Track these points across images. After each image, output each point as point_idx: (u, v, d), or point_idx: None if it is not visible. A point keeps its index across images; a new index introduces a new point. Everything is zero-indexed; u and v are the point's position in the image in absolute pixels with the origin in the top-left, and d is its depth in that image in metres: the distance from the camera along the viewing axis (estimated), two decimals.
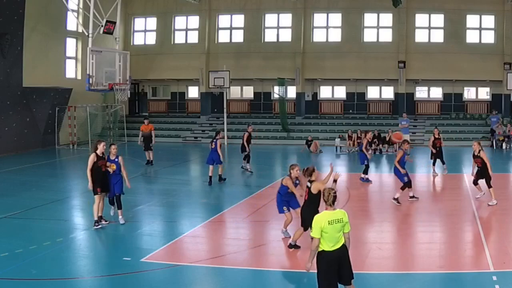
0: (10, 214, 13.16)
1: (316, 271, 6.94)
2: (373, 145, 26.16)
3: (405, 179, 14.36)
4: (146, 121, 22.05)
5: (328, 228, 6.76)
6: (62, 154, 26.56)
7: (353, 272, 7.08)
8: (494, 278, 8.48)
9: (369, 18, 32.30)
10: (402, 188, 14.36)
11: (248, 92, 35.71)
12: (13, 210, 13.53)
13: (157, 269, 9.32)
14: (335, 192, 6.98)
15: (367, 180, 17.68)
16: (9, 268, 9.24)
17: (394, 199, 14.18)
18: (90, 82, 21.27)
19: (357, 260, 8.67)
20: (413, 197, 14.72)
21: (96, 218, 11.86)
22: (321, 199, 8.70)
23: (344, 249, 6.91)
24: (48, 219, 12.99)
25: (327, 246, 6.78)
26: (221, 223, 12.89)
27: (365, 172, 17.74)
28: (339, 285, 6.99)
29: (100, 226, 11.81)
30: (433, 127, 30.36)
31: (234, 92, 35.31)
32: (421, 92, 33.73)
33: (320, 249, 6.84)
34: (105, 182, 11.95)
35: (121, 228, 12.05)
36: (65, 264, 9.58)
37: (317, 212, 8.91)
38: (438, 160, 19.66)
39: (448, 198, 15.55)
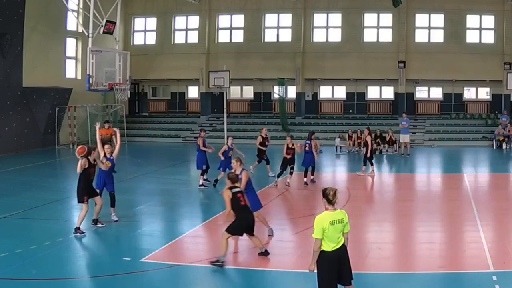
0: (10, 214, 13.16)
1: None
2: (374, 144, 26.13)
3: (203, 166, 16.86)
4: (107, 125, 20.64)
5: (330, 228, 6.75)
6: (62, 154, 26.55)
7: (353, 272, 7.07)
8: (494, 278, 8.48)
9: (369, 18, 32.30)
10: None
11: (248, 92, 35.72)
12: (13, 210, 13.53)
13: (157, 269, 9.32)
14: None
15: (313, 181, 17.37)
16: (9, 268, 9.24)
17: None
18: (90, 82, 21.25)
19: (357, 260, 8.66)
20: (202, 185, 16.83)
21: (78, 226, 11.33)
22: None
23: (344, 249, 6.90)
24: (48, 219, 12.99)
25: (328, 246, 6.77)
26: (221, 223, 12.86)
27: (313, 173, 17.46)
28: (338, 285, 6.99)
29: (84, 233, 11.33)
30: (433, 127, 30.65)
31: (234, 92, 35.31)
32: (421, 92, 33.73)
33: (320, 249, 6.83)
34: (91, 190, 11.73)
35: (121, 228, 12.05)
36: (65, 264, 9.58)
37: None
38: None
39: (448, 198, 15.55)
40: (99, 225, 11.90)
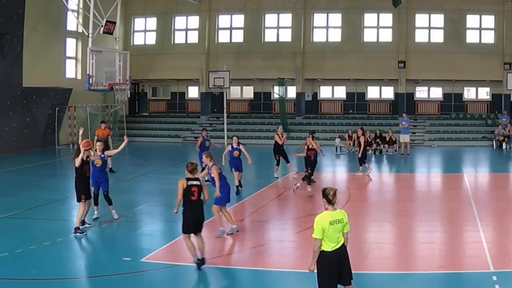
0: (10, 214, 13.16)
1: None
2: (374, 144, 26.16)
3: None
4: (103, 125, 20.20)
5: (330, 228, 6.74)
6: (62, 154, 26.55)
7: (353, 272, 7.07)
8: (494, 278, 8.48)
9: (369, 18, 32.30)
10: None
11: (248, 92, 35.73)
12: (13, 210, 13.53)
13: (157, 269, 9.33)
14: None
15: (313, 181, 17.27)
16: (9, 268, 9.24)
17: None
18: (90, 82, 21.24)
19: (357, 260, 8.66)
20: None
21: (78, 225, 11.35)
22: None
23: (344, 249, 6.90)
24: (48, 219, 12.99)
25: (328, 246, 6.76)
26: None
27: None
28: (338, 285, 6.99)
29: (84, 233, 11.33)
30: (433, 127, 30.65)
31: (234, 92, 35.31)
32: (421, 92, 33.73)
33: (320, 250, 6.83)
34: (88, 189, 11.83)
35: (121, 228, 12.05)
36: (65, 264, 9.58)
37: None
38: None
39: (448, 198, 15.54)
40: (86, 225, 11.82)
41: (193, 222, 9.10)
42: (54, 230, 11.75)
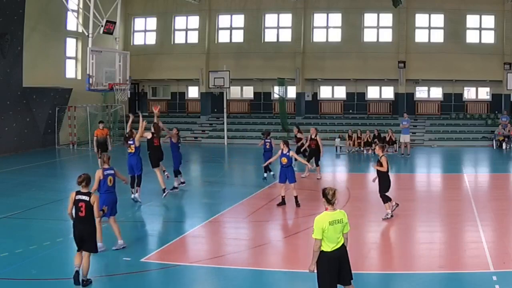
0: (10, 214, 13.17)
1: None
2: (373, 144, 26.13)
3: None
4: (101, 125, 20.00)
5: (329, 229, 6.74)
6: (62, 154, 26.56)
7: (353, 272, 7.07)
8: (494, 278, 8.48)
9: (369, 18, 32.29)
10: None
11: (248, 92, 35.72)
12: (13, 210, 13.53)
13: (157, 269, 9.33)
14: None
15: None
16: (9, 268, 9.25)
17: None
18: (90, 82, 21.25)
19: (357, 260, 8.66)
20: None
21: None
22: None
23: (343, 249, 6.90)
24: (48, 219, 13.00)
25: (327, 247, 6.76)
26: (221, 223, 12.88)
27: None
28: (338, 285, 6.98)
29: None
30: (433, 127, 30.65)
31: (234, 92, 35.30)
32: (421, 92, 33.72)
33: (320, 250, 6.83)
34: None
35: (121, 228, 11.99)
36: (65, 264, 9.56)
37: None
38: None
39: (448, 198, 15.55)
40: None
41: (76, 238, 8.41)
42: (54, 230, 11.75)
